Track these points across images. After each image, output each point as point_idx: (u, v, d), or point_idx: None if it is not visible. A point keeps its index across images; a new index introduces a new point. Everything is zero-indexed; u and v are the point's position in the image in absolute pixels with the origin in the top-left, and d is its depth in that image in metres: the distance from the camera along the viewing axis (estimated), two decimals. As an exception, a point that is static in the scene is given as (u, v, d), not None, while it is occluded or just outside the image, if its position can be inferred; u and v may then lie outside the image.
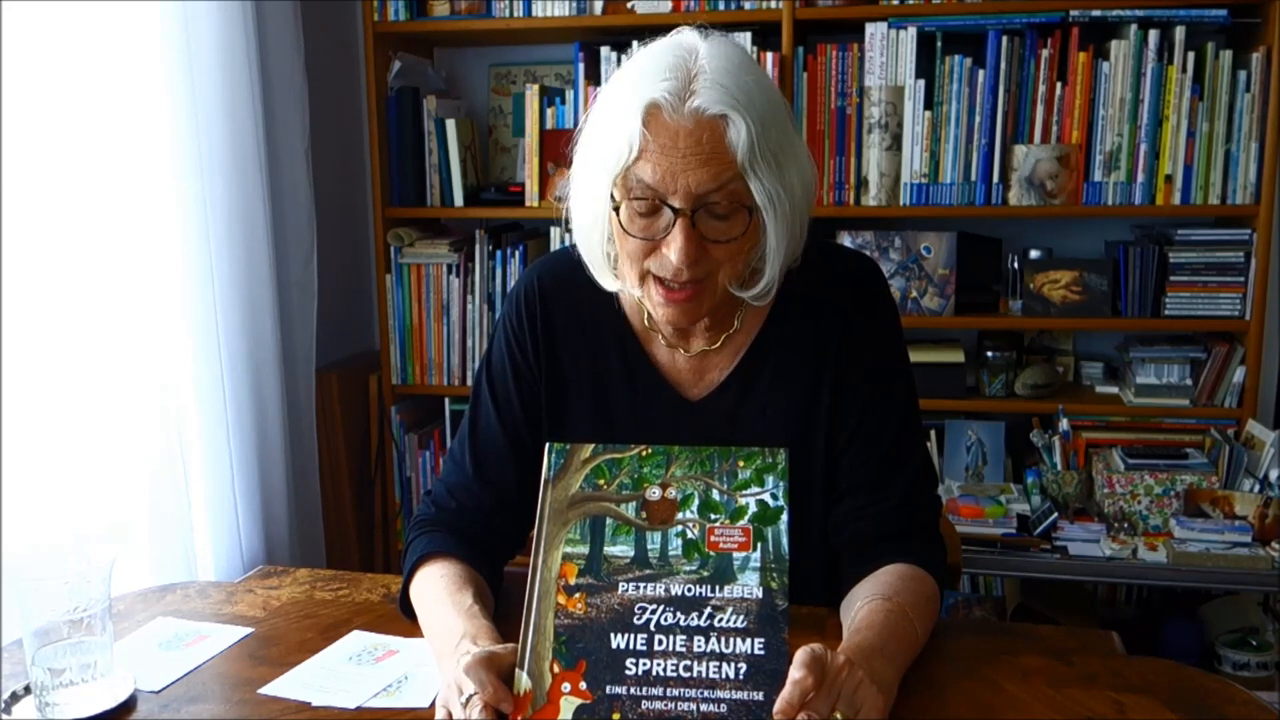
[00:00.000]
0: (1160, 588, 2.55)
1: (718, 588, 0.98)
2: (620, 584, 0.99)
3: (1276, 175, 2.35)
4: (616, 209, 1.13)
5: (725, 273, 1.15)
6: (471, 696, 0.95)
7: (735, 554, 1.00)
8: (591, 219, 1.17)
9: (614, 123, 1.11)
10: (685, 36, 1.14)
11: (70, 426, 1.76)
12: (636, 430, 1.27)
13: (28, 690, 1.08)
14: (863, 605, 1.11)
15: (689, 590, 0.98)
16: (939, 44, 2.44)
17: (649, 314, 1.27)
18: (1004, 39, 2.41)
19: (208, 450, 2.06)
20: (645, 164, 1.09)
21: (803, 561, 1.17)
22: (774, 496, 1.03)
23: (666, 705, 0.93)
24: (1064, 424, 2.46)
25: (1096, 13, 2.38)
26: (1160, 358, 2.49)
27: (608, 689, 0.94)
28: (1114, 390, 2.61)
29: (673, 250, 1.11)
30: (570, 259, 1.30)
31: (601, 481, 1.05)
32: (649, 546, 1.01)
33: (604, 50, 2.57)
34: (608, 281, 1.22)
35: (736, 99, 1.08)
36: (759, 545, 1.00)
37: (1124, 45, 2.38)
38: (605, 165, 1.12)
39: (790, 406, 1.25)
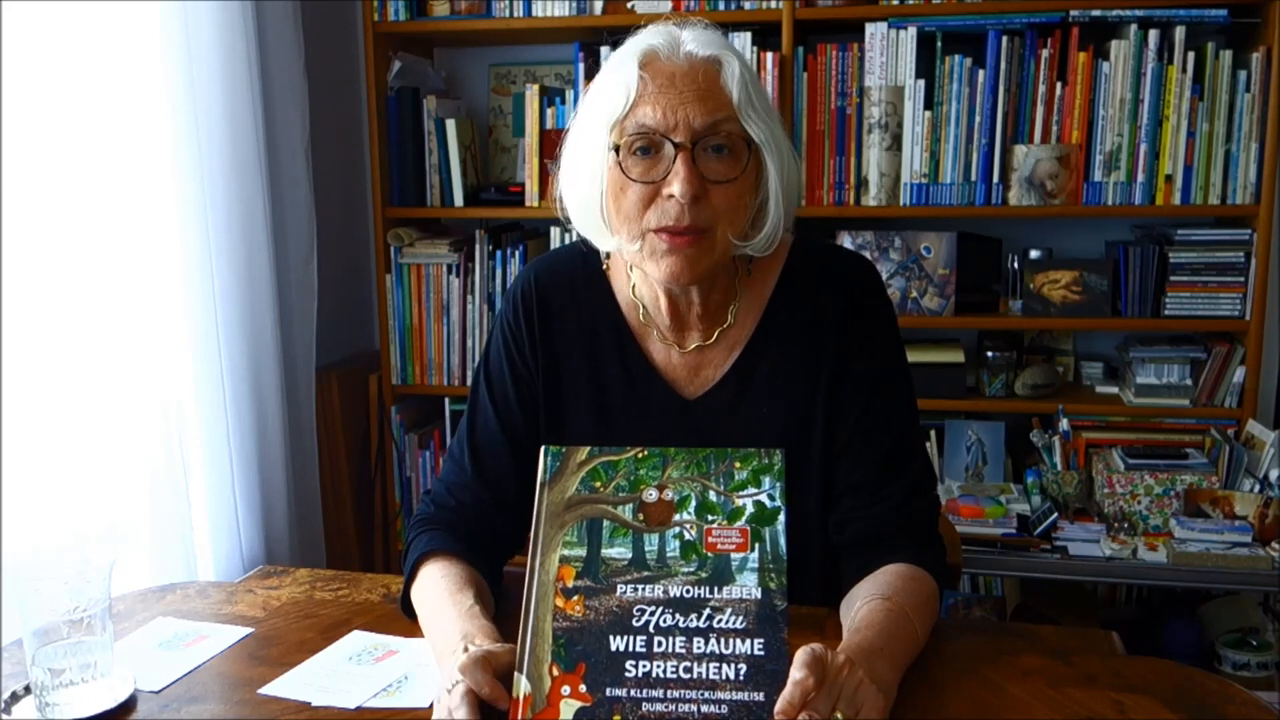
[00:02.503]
0: (1160, 588, 2.55)
1: (716, 589, 0.98)
2: (618, 586, 0.99)
3: (1276, 175, 2.35)
4: (616, 150, 1.14)
5: (727, 222, 1.15)
6: (456, 684, 0.95)
7: (733, 555, 1.00)
8: (589, 177, 1.18)
9: (612, 76, 1.17)
10: (666, 24, 1.21)
11: (70, 426, 1.76)
12: (634, 428, 1.27)
13: (28, 690, 1.08)
14: (862, 605, 1.11)
15: (687, 592, 0.98)
16: (939, 44, 2.44)
17: (645, 310, 1.27)
18: (1004, 39, 2.41)
19: (208, 450, 2.07)
20: (645, 107, 1.13)
21: (801, 561, 1.17)
22: (771, 497, 1.02)
23: (667, 707, 0.93)
24: (1064, 424, 2.46)
25: (1096, 13, 2.38)
26: (1160, 358, 2.49)
27: (607, 691, 0.94)
28: (1114, 390, 2.61)
29: (676, 185, 1.12)
30: (567, 257, 1.30)
31: (598, 484, 1.04)
32: (647, 548, 1.01)
33: (604, 50, 2.56)
34: (604, 241, 1.22)
35: (724, 46, 1.17)
36: (757, 546, 1.00)
37: (1124, 45, 2.38)
38: (603, 117, 1.15)
39: (787, 406, 1.25)
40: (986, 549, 2.28)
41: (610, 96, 1.15)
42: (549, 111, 2.63)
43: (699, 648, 0.95)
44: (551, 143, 2.59)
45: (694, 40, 1.16)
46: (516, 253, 2.67)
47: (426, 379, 2.74)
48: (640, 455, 1.06)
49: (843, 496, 1.24)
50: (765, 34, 2.54)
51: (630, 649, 0.96)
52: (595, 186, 1.17)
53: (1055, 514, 2.32)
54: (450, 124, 2.65)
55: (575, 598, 0.99)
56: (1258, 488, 2.28)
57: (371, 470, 2.79)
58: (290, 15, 2.31)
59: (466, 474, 1.29)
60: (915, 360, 2.19)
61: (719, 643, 0.96)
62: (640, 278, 1.26)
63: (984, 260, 2.61)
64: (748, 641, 0.95)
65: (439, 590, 1.17)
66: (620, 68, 1.16)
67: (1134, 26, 2.37)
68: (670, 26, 1.19)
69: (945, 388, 2.54)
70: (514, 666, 0.96)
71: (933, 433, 2.58)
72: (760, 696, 0.93)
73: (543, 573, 1.00)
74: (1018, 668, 1.11)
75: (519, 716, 0.93)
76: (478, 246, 2.68)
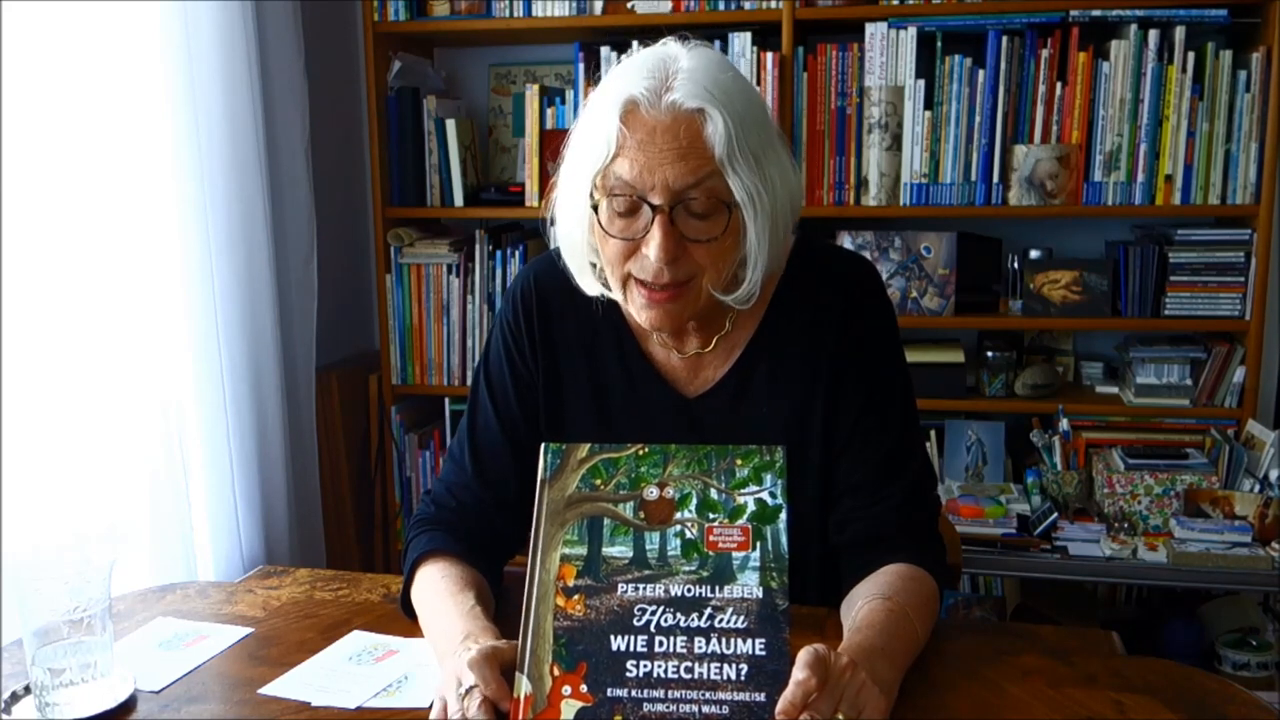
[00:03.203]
0: (1160, 588, 2.55)
1: (717, 588, 0.98)
2: (619, 585, 0.99)
3: (1276, 175, 2.35)
4: (596, 208, 1.13)
5: (708, 276, 1.15)
6: (471, 689, 0.95)
7: (734, 554, 1.00)
8: (574, 221, 1.18)
9: (594, 122, 1.13)
10: (668, 45, 1.16)
11: (70, 426, 1.76)
12: (634, 427, 1.27)
13: (28, 690, 1.08)
14: (863, 605, 1.11)
15: (689, 591, 0.98)
16: (939, 44, 2.44)
17: None
18: (1004, 39, 2.41)
19: (208, 450, 2.06)
20: (623, 160, 1.10)
21: (800, 561, 1.17)
22: (772, 495, 1.02)
23: (668, 707, 0.93)
24: (1064, 424, 2.46)
25: (1096, 13, 2.38)
26: (1160, 358, 2.49)
27: (608, 691, 0.94)
28: (1114, 390, 2.61)
29: (651, 248, 1.11)
30: (567, 257, 1.30)
31: (598, 481, 1.04)
32: (648, 547, 1.01)
33: (604, 50, 2.57)
34: (589, 286, 1.22)
35: (713, 95, 1.10)
36: (758, 544, 1.00)
37: (1124, 45, 2.38)
38: (586, 165, 1.13)
39: (786, 406, 1.25)
40: (986, 549, 2.28)
41: (591, 145, 1.12)
42: (549, 111, 2.63)
43: (700, 647, 0.95)
44: (551, 143, 2.59)
45: (682, 86, 1.09)
46: (516, 253, 2.67)
47: (426, 379, 2.74)
48: (641, 452, 1.05)
49: (843, 496, 1.24)
50: (765, 34, 2.53)
51: (631, 649, 0.96)
52: (580, 231, 1.18)
53: (1055, 514, 2.32)
54: (450, 124, 2.65)
55: (576, 597, 0.98)
56: (1258, 488, 2.28)
57: (371, 470, 2.79)
58: (290, 15, 2.31)
59: (467, 474, 1.29)
60: (915, 360, 2.20)
61: (720, 642, 0.95)
62: None
63: (984, 260, 2.60)
64: (749, 641, 0.95)
65: (439, 590, 1.17)
66: (603, 114, 1.12)
67: (1134, 26, 2.37)
68: (667, 54, 1.13)
69: (945, 388, 2.54)
70: (517, 664, 0.96)
71: (933, 433, 2.58)
72: (761, 697, 0.93)
73: (543, 572, 1.00)
74: (1018, 668, 1.11)
75: (520, 717, 0.93)
76: (478, 246, 2.68)
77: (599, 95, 1.14)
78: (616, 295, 1.19)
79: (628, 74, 1.12)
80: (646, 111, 1.10)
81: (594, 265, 1.21)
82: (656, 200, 1.10)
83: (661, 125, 1.09)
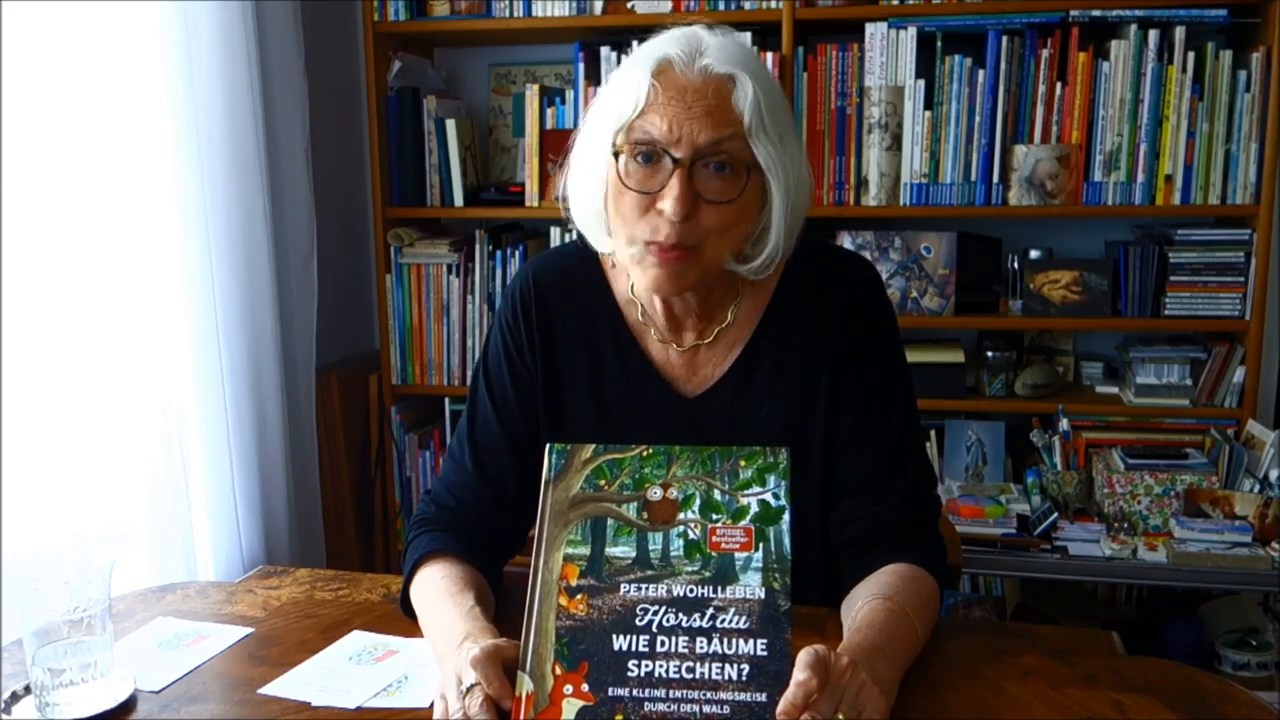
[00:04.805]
0: (1160, 588, 2.55)
1: (720, 588, 0.98)
2: (622, 585, 0.99)
3: (1276, 175, 2.35)
4: (617, 155, 1.14)
5: (717, 244, 1.15)
6: (473, 687, 0.95)
7: (737, 554, 1.00)
8: (593, 177, 1.18)
9: (624, 81, 1.15)
10: (692, 27, 1.19)
11: (70, 426, 1.76)
12: (633, 426, 1.27)
13: (28, 690, 1.08)
14: (863, 605, 1.11)
15: (691, 591, 0.98)
16: (939, 44, 2.44)
17: (643, 309, 1.27)
18: (1004, 39, 2.41)
19: (208, 450, 2.06)
20: (652, 115, 1.12)
21: (800, 561, 1.17)
22: (776, 496, 1.02)
23: (669, 707, 0.93)
24: (1064, 424, 2.46)
25: (1096, 13, 2.38)
26: (1160, 358, 2.49)
27: (610, 690, 0.94)
28: (1114, 390, 2.61)
29: (667, 201, 1.11)
30: (566, 255, 1.31)
31: (602, 482, 1.04)
32: (650, 547, 1.01)
33: (604, 50, 2.57)
34: (601, 242, 1.23)
35: (744, 65, 1.14)
36: (761, 545, 1.00)
37: (1124, 45, 2.38)
38: (612, 119, 1.15)
39: (786, 405, 1.25)
40: (986, 549, 2.28)
41: (619, 101, 1.14)
42: (549, 111, 2.63)
43: (702, 648, 0.95)
44: (551, 143, 2.59)
45: (714, 54, 1.13)
46: (516, 253, 2.67)
47: (426, 379, 2.74)
48: (645, 454, 1.05)
49: (843, 496, 1.24)
50: (765, 34, 2.54)
51: (633, 648, 0.96)
52: (597, 187, 1.18)
53: (1055, 514, 2.32)
54: (450, 124, 2.65)
55: (578, 596, 0.99)
56: (1258, 488, 2.28)
57: (371, 470, 2.79)
58: (290, 15, 2.31)
59: (467, 473, 1.29)
60: (915, 360, 2.20)
61: (722, 643, 0.96)
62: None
63: (984, 260, 2.61)
64: (750, 642, 0.95)
65: (439, 590, 1.17)
66: (634, 73, 1.14)
67: (1134, 26, 2.37)
68: (696, 31, 1.17)
69: (945, 388, 2.54)
70: (519, 663, 0.96)
71: (933, 433, 2.58)
72: (763, 697, 0.93)
73: (546, 571, 1.00)
74: (1018, 668, 1.11)
75: (522, 715, 0.93)
76: (478, 246, 2.68)
77: (628, 63, 1.17)
78: (625, 251, 1.17)
79: (659, 40, 1.16)
80: (680, 70, 1.13)
81: (605, 217, 1.20)
82: (679, 154, 1.11)
83: (693, 85, 1.12)
